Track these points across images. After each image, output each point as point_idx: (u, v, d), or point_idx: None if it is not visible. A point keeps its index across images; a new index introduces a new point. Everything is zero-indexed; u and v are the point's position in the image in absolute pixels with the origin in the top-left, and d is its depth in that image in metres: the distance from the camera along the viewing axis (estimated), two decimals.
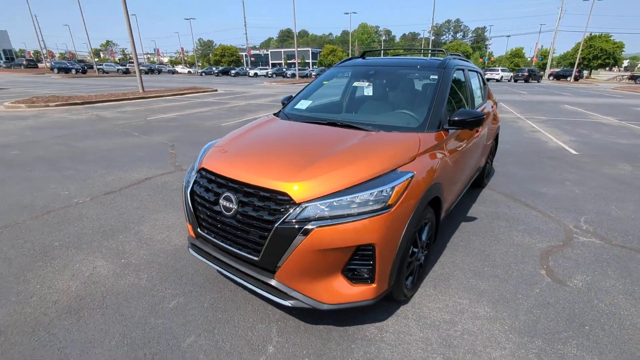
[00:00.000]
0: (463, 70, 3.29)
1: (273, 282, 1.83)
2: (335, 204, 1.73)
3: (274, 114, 3.07)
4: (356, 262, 1.80)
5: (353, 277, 1.84)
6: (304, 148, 2.17)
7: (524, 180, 4.75)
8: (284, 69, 51.26)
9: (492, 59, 74.17)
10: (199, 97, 16.58)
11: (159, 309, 2.21)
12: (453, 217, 3.55)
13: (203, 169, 2.17)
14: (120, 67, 47.60)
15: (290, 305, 1.82)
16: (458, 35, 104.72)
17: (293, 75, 44.95)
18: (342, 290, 1.82)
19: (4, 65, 55.88)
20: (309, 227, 1.68)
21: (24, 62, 51.75)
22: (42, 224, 3.32)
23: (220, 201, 1.94)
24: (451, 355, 1.87)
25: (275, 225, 1.73)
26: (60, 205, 3.78)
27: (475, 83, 3.69)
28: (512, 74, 42.55)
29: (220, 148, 2.34)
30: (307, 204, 1.72)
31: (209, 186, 2.06)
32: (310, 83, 3.43)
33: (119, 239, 3.07)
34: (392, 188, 1.82)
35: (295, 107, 3.11)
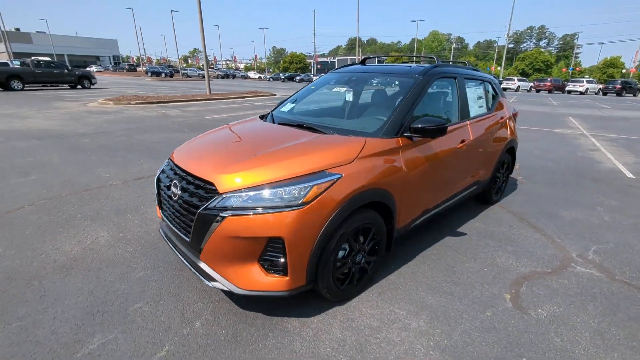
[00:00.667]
0: (455, 78, 3.16)
1: (201, 264, 2.01)
2: (252, 196, 1.86)
3: (260, 116, 3.28)
4: (270, 253, 1.90)
5: (269, 267, 1.94)
6: (251, 144, 2.34)
7: (547, 200, 4.29)
8: None
9: (578, 68, 65.95)
10: (256, 100, 17.66)
11: (127, 277, 2.54)
12: (438, 230, 3.39)
13: (170, 158, 2.46)
14: (201, 72, 52.54)
15: (211, 286, 1.99)
16: (541, 42, 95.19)
17: None
18: (257, 278, 1.93)
19: (111, 69, 65.59)
20: (223, 214, 1.83)
21: (126, 67, 60.24)
22: (77, 199, 3.96)
23: (171, 187, 2.19)
24: (358, 359, 1.86)
25: (198, 210, 1.91)
26: (97, 185, 4.44)
27: (475, 92, 3.49)
28: (599, 85, 37.49)
29: (189, 142, 2.62)
30: (228, 195, 1.88)
31: (169, 173, 2.33)
32: (303, 88, 3.57)
33: (127, 217, 3.54)
34: (311, 187, 1.89)
35: (280, 109, 3.29)
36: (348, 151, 2.16)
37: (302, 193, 1.87)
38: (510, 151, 4.16)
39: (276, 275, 1.94)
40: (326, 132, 2.45)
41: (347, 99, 3.20)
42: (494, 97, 3.90)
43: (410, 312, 2.24)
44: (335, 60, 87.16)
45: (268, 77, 58.34)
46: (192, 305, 2.25)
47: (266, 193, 1.87)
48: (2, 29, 42.31)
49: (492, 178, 3.84)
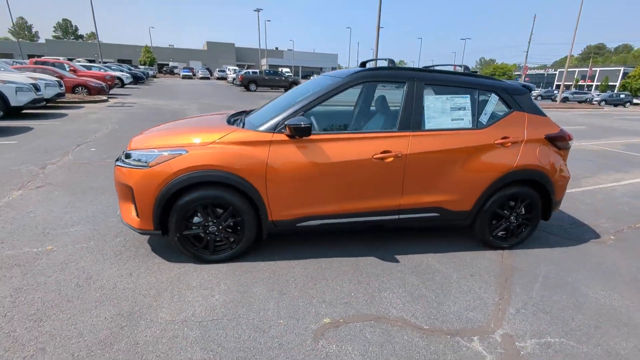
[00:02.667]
0: (405, 83, 2.73)
1: (119, 199, 2.91)
2: (129, 154, 2.59)
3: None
4: (132, 198, 2.58)
5: (135, 208, 2.62)
6: (174, 127, 3.00)
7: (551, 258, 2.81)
8: (553, 91, 42.12)
9: None
10: None
11: (107, 239, 3.00)
12: (342, 245, 3.01)
13: None
14: None
15: (119, 218, 2.85)
16: None
17: (564, 99, 35.99)
18: (130, 215, 2.65)
19: None
20: (117, 164, 2.65)
21: None
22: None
23: None
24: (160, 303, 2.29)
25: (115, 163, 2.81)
26: None
27: (448, 102, 2.80)
28: None
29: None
30: (128, 152, 2.67)
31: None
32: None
33: None
34: (156, 156, 2.45)
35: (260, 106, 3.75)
36: (209, 136, 2.53)
37: (149, 159, 2.45)
38: (536, 186, 2.98)
39: (136, 215, 2.60)
40: (239, 125, 2.82)
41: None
42: (496, 110, 2.93)
43: (226, 288, 2.39)
44: (557, 72, 70.90)
45: None
46: (135, 259, 3.18)
47: (135, 154, 2.55)
48: (265, 48, 58.23)
49: (482, 212, 2.95)
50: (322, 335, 2.01)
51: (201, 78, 46.97)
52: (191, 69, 53.46)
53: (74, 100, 13.17)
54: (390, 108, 3.11)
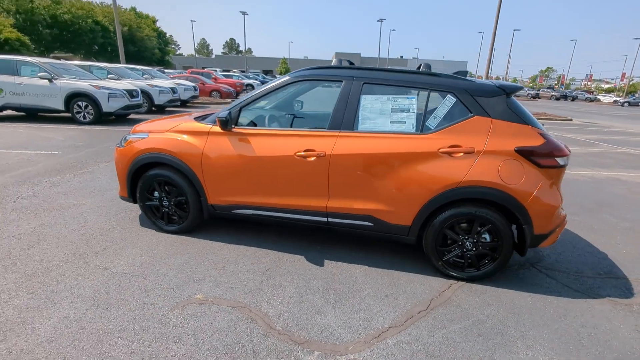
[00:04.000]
0: (342, 81, 2.58)
1: None
2: (125, 137, 3.28)
3: None
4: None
5: None
6: (163, 119, 3.56)
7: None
8: None
9: None
10: None
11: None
12: (288, 240, 2.91)
13: None
14: (530, 92, 46.92)
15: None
16: None
17: None
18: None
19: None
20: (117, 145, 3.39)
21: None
22: None
23: None
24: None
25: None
26: None
27: (389, 103, 2.48)
28: None
29: None
30: (128, 136, 3.38)
31: None
32: None
33: None
34: (126, 139, 3.07)
35: None
36: (167, 126, 2.99)
37: (124, 140, 3.08)
38: (502, 210, 2.32)
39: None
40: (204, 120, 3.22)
41: None
42: (450, 114, 2.39)
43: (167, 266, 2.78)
44: None
45: (621, 100, 42.08)
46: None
47: (124, 138, 3.22)
48: (387, 57, 58.24)
49: (428, 230, 2.50)
50: (182, 307, 2.17)
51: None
52: None
53: (205, 101, 16.30)
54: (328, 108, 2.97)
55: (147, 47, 45.14)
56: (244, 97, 2.87)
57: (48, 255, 2.67)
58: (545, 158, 2.32)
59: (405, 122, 2.50)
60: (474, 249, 2.50)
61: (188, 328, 1.99)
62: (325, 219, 2.71)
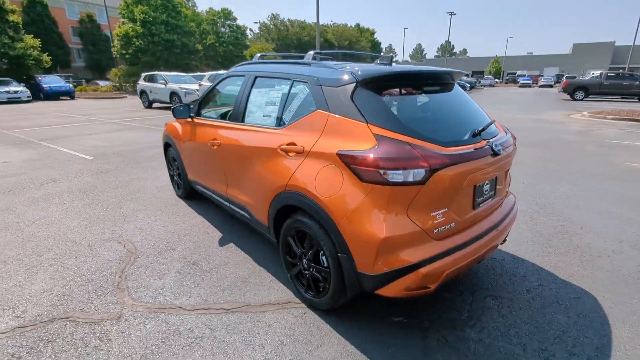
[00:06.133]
0: (244, 76, 2.62)
1: None
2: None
3: None
4: None
5: None
6: None
7: None
8: None
9: None
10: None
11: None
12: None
13: None
14: None
15: None
16: None
17: None
18: None
19: None
20: None
21: None
22: None
23: None
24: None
25: None
26: None
27: (265, 96, 2.31)
28: None
29: None
30: None
31: None
32: None
33: None
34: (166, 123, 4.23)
35: None
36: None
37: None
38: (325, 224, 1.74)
39: None
40: None
41: None
42: (301, 107, 1.94)
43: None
44: None
45: None
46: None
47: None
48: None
49: (280, 235, 2.20)
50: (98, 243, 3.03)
51: (541, 86, 40.96)
52: (533, 77, 47.53)
53: None
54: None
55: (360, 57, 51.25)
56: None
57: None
58: (368, 169, 1.58)
59: (271, 116, 2.28)
60: (310, 269, 2.01)
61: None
62: (227, 204, 2.87)
